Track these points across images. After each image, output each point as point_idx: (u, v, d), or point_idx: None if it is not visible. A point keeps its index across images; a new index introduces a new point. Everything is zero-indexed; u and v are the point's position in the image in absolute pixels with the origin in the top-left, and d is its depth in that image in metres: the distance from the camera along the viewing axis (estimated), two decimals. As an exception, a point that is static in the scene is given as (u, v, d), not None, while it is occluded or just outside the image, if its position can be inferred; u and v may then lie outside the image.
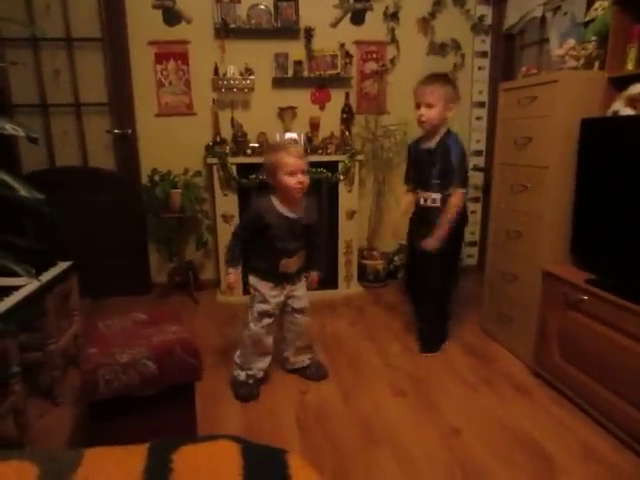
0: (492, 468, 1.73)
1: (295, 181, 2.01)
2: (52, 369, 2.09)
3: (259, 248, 2.10)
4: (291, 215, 2.06)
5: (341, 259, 3.49)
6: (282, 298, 2.18)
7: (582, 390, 2.02)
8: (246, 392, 2.17)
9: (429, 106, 2.31)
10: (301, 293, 2.24)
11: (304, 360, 2.34)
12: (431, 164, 2.39)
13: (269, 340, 2.19)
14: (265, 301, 2.13)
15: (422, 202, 2.48)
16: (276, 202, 2.06)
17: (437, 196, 2.40)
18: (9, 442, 1.78)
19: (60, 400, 2.12)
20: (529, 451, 1.81)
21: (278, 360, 2.37)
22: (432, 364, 2.47)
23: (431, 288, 2.51)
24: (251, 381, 2.20)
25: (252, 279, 2.16)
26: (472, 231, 3.99)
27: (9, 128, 0.98)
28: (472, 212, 3.94)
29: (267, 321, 2.15)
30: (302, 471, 0.95)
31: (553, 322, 2.18)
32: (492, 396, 2.18)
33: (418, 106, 2.35)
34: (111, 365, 1.61)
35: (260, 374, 2.21)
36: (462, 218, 2.44)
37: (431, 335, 2.62)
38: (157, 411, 1.72)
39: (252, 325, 2.15)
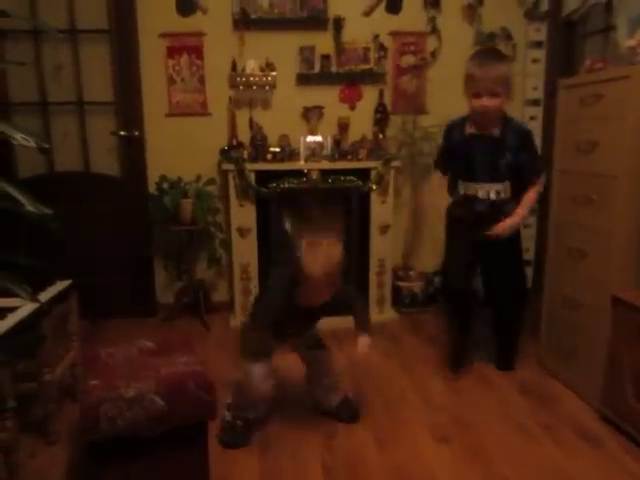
0: (555, 532, 1.67)
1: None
2: (47, 402, 2.10)
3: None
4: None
5: (372, 280, 3.46)
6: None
7: (662, 440, 1.95)
8: (230, 438, 2.11)
9: (494, 95, 2.28)
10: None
11: (333, 399, 2.30)
12: (499, 154, 2.40)
13: (264, 386, 2.09)
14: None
15: (482, 195, 2.47)
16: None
17: (506, 186, 2.45)
18: (-3, 485, 1.79)
19: (54, 438, 2.12)
20: (599, 512, 1.75)
21: (304, 400, 2.34)
22: (481, 405, 2.42)
23: (517, 287, 2.65)
24: (239, 423, 2.13)
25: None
26: (526, 248, 3.91)
27: (19, 138, 0.99)
28: (526, 226, 3.88)
29: (263, 363, 2.09)
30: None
31: (626, 357, 2.11)
32: (553, 445, 2.11)
33: (478, 95, 2.30)
34: (115, 400, 1.61)
35: (252, 416, 2.16)
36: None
37: (515, 348, 2.76)
38: (165, 454, 1.71)
39: (245, 362, 2.11)
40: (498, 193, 2.47)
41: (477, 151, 2.44)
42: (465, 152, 2.48)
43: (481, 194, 2.48)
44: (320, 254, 1.86)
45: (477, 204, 2.50)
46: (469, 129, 2.47)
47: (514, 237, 2.54)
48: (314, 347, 2.21)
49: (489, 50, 2.43)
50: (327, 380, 2.27)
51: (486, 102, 2.29)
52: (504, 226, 2.42)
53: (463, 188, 2.54)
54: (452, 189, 2.63)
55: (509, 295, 2.67)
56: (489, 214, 2.47)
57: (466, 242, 2.55)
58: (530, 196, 2.46)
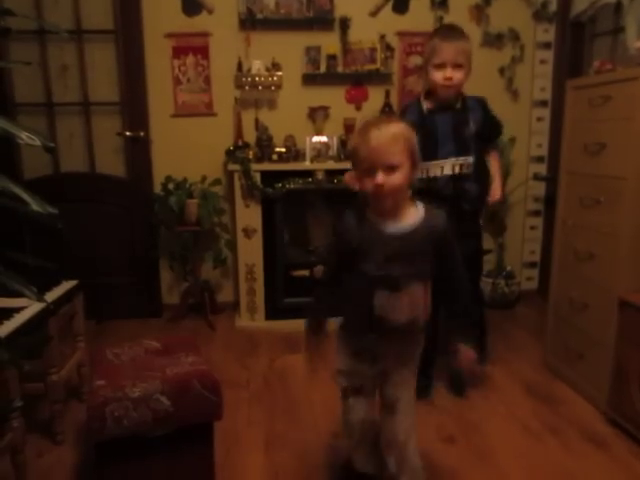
0: (561, 535, 1.67)
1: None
2: (53, 402, 2.12)
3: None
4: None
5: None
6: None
7: (669, 444, 1.95)
8: None
9: (458, 67, 2.28)
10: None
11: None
12: (463, 124, 2.38)
13: (354, 417, 1.67)
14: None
15: (447, 171, 2.36)
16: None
17: (470, 161, 2.38)
18: (5, 484, 1.81)
19: (61, 438, 2.14)
20: (606, 516, 1.75)
21: (308, 400, 2.34)
22: (487, 406, 2.42)
23: (477, 282, 2.68)
24: None
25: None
26: (532, 250, 3.92)
27: (25, 137, 1.01)
28: (532, 228, 3.89)
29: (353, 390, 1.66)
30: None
31: (633, 360, 2.11)
32: (559, 447, 2.12)
33: (441, 66, 2.28)
34: (121, 400, 1.63)
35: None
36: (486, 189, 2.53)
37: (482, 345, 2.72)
38: (170, 454, 1.73)
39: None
40: (461, 167, 2.37)
41: (440, 125, 2.37)
42: (425, 129, 2.30)
43: (447, 169, 2.37)
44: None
45: (439, 183, 2.37)
46: (428, 106, 2.41)
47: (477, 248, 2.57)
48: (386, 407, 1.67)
49: (452, 26, 2.42)
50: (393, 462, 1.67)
51: (450, 73, 2.27)
52: (497, 193, 2.52)
53: (425, 170, 2.37)
54: None
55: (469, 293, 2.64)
56: (452, 195, 2.37)
57: None
58: (496, 167, 2.56)
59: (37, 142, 1.04)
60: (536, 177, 3.77)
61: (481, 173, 2.46)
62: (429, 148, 2.32)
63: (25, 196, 1.10)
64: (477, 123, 2.39)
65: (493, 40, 3.59)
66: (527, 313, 3.61)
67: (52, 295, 2.16)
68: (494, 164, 2.55)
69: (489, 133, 2.48)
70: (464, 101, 2.40)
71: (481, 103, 2.46)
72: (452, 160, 2.37)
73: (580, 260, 2.46)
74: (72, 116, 3.44)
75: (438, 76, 2.30)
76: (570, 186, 2.55)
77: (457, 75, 2.29)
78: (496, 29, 3.58)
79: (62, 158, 3.46)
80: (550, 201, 3.55)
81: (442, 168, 2.38)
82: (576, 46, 3.58)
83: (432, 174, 2.38)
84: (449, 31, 2.35)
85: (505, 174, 3.61)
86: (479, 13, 3.57)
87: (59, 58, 3.36)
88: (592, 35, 3.50)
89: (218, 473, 1.85)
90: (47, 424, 2.17)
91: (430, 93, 2.42)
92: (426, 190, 2.30)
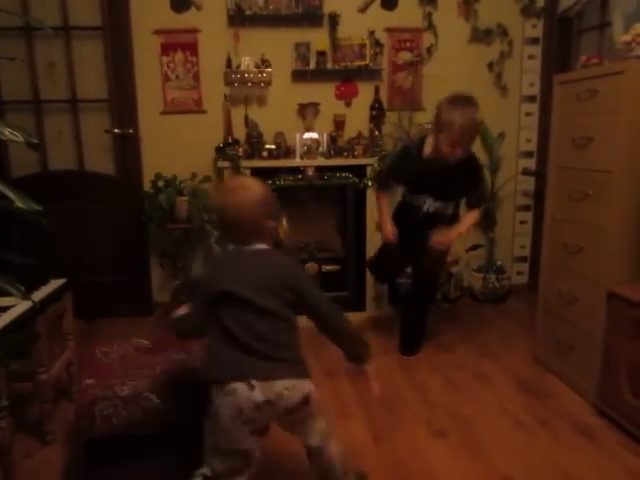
0: (552, 527, 1.67)
1: None
2: (42, 402, 2.10)
3: None
4: None
5: (369, 276, 3.46)
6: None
7: (658, 435, 1.96)
8: None
9: (466, 148, 2.44)
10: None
11: None
12: (450, 180, 2.57)
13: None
14: None
15: (428, 209, 2.69)
16: None
17: (451, 205, 2.70)
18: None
19: (50, 438, 2.12)
20: (596, 507, 1.76)
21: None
22: (478, 400, 2.43)
23: (436, 285, 3.08)
24: None
25: None
26: (522, 244, 3.93)
27: (7, 133, 0.99)
28: (522, 222, 3.90)
29: None
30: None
31: (621, 352, 2.12)
32: (550, 439, 2.12)
33: (453, 145, 2.40)
34: (110, 399, 1.61)
35: None
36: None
37: (424, 333, 2.99)
38: (161, 452, 1.72)
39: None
40: (443, 207, 2.69)
41: (430, 173, 2.57)
42: (418, 172, 2.61)
43: (426, 206, 2.68)
44: None
45: (421, 212, 2.70)
46: (426, 151, 2.59)
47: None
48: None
49: (469, 99, 2.42)
50: None
51: (459, 152, 2.41)
52: (444, 239, 2.64)
53: (410, 197, 2.75)
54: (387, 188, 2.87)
55: (427, 291, 2.99)
56: (422, 222, 2.71)
57: (406, 239, 2.76)
58: (470, 217, 2.71)
59: (20, 138, 1.02)
60: (525, 172, 3.78)
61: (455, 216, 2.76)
62: (417, 186, 2.67)
63: (9, 193, 1.08)
64: (462, 183, 2.59)
65: (482, 36, 3.59)
66: (518, 307, 3.62)
67: (40, 294, 2.13)
68: (466, 218, 2.72)
69: (469, 198, 2.69)
70: (460, 162, 2.48)
71: (473, 168, 2.61)
72: (431, 201, 2.66)
73: (569, 254, 2.46)
74: (60, 113, 3.40)
75: (447, 149, 2.42)
76: (559, 180, 2.56)
77: (465, 153, 2.44)
78: (484, 25, 3.58)
79: (50, 156, 3.42)
80: (540, 196, 3.56)
81: (424, 202, 2.68)
82: (564, 41, 3.59)
83: (416, 203, 2.71)
84: (466, 107, 2.37)
85: (494, 169, 3.65)
86: (467, 9, 3.57)
87: (46, 55, 3.33)
88: (579, 30, 3.51)
89: (209, 470, 1.84)
90: (36, 424, 2.15)
91: (434, 144, 2.52)
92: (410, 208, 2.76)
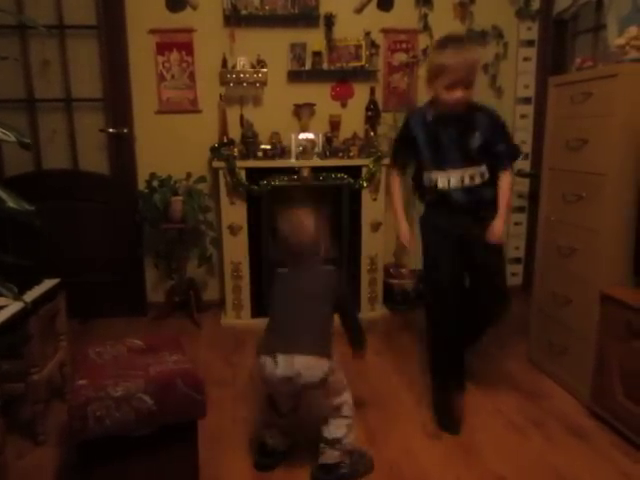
0: (545, 528, 1.68)
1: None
2: (34, 402, 2.08)
3: None
4: None
5: (364, 277, 3.47)
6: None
7: (651, 436, 1.96)
8: None
9: (468, 87, 2.08)
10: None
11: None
12: (468, 134, 2.19)
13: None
14: None
15: (455, 183, 2.23)
16: None
17: (482, 170, 2.24)
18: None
19: (42, 439, 2.11)
20: (588, 508, 1.76)
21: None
22: (471, 401, 2.42)
23: (504, 289, 2.38)
24: None
25: None
26: (516, 246, 3.94)
27: (-1, 132, 0.99)
28: (516, 224, 3.90)
29: None
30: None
31: (614, 354, 2.13)
32: (543, 441, 2.13)
33: (453, 87, 2.07)
34: (103, 400, 1.60)
35: None
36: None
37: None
38: (154, 453, 1.71)
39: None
40: (472, 178, 2.23)
41: (443, 134, 2.21)
42: (430, 138, 2.24)
43: (454, 181, 2.23)
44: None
45: (452, 194, 2.25)
46: (431, 114, 2.23)
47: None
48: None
49: (459, 37, 2.17)
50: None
51: (461, 93, 2.08)
52: (496, 231, 2.21)
53: (433, 179, 2.28)
54: (417, 184, 2.42)
55: (495, 298, 2.36)
56: (468, 203, 2.25)
57: (449, 239, 2.28)
58: (505, 192, 2.25)
59: (12, 138, 1.01)
60: (520, 174, 3.78)
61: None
62: (435, 158, 2.26)
63: (1, 193, 1.08)
64: (483, 135, 2.18)
65: (477, 37, 3.59)
66: (512, 309, 3.62)
67: (33, 294, 2.12)
68: (502, 193, 2.24)
69: (497, 153, 2.23)
70: (471, 110, 2.18)
71: (489, 114, 2.22)
72: (459, 171, 2.23)
73: (563, 255, 2.47)
74: (54, 112, 3.39)
75: (448, 97, 2.10)
76: (553, 182, 2.57)
77: (468, 94, 2.10)
78: (480, 26, 3.59)
79: (44, 155, 3.41)
80: (534, 197, 3.57)
81: (449, 181, 2.24)
82: (559, 44, 3.60)
83: (440, 185, 2.26)
84: (457, 45, 2.07)
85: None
86: (463, 10, 3.58)
87: (41, 53, 3.31)
88: (574, 33, 3.52)
89: (202, 471, 1.84)
90: (28, 425, 2.14)
91: (434, 101, 2.22)
92: (440, 202, 2.30)
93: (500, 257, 2.38)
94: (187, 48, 3.41)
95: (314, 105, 3.49)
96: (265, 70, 3.39)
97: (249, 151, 3.28)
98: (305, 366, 1.75)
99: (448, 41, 2.10)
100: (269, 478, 1.92)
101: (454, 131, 2.20)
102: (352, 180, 3.30)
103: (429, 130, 2.24)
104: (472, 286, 2.37)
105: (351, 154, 3.33)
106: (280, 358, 1.76)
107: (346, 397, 1.92)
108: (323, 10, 3.40)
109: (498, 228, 2.21)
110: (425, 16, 3.54)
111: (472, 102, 2.19)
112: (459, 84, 2.06)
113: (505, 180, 2.25)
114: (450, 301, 2.28)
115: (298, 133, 3.36)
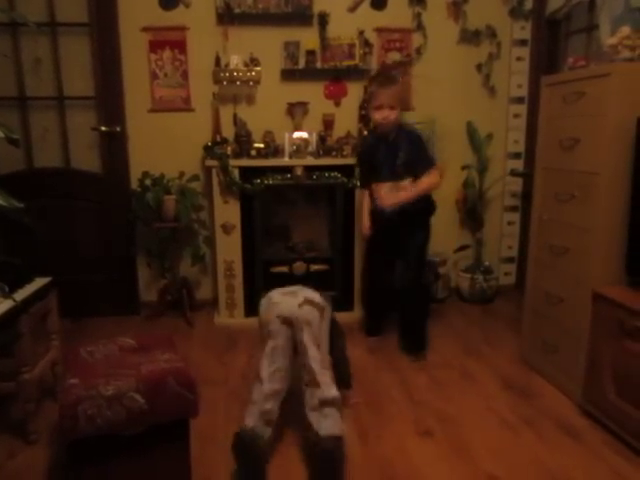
0: (536, 526, 1.68)
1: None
2: (25, 401, 2.08)
3: None
4: None
5: (357, 276, 3.46)
6: None
7: (642, 434, 1.97)
8: None
9: (392, 107, 2.73)
10: None
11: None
12: (394, 154, 2.79)
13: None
14: None
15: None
16: None
17: (406, 184, 2.80)
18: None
19: (34, 438, 2.10)
20: (580, 506, 1.77)
21: (287, 398, 2.33)
22: (464, 399, 2.43)
23: (418, 282, 2.97)
24: None
25: None
26: (509, 245, 3.95)
27: (-13, 128, 0.98)
28: (509, 223, 3.92)
29: None
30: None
31: (606, 353, 2.13)
32: (535, 439, 2.13)
33: (380, 107, 2.73)
34: (94, 398, 1.59)
35: None
36: (430, 205, 2.93)
37: (424, 335, 2.98)
38: (146, 452, 1.70)
39: None
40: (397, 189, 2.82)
41: (379, 154, 2.85)
42: (372, 157, 2.89)
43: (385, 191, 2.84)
44: None
45: (386, 214, 2.84)
46: (373, 137, 2.97)
47: (422, 240, 2.94)
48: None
49: (387, 75, 2.94)
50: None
51: (386, 113, 2.72)
52: (389, 198, 2.78)
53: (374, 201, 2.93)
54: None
55: (411, 290, 2.95)
56: (397, 220, 2.83)
57: (383, 241, 2.97)
58: (423, 181, 2.77)
59: (0, 134, 1.01)
60: (513, 173, 3.80)
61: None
62: (375, 173, 2.89)
63: (-10, 190, 1.07)
64: (406, 154, 2.77)
65: (470, 37, 3.61)
66: (505, 308, 3.64)
67: (24, 292, 2.11)
68: (418, 182, 2.78)
69: (416, 166, 2.77)
70: (398, 134, 2.80)
71: (411, 137, 2.81)
72: (389, 184, 2.82)
73: (555, 254, 2.48)
74: (46, 110, 3.37)
75: (377, 116, 2.76)
76: (546, 181, 2.57)
77: (392, 114, 2.73)
78: (473, 26, 3.60)
79: (36, 153, 3.39)
80: (527, 197, 3.58)
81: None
82: (552, 43, 3.62)
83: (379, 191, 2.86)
84: (385, 80, 2.79)
85: (482, 170, 3.66)
86: (456, 10, 3.58)
87: (32, 51, 3.30)
88: (567, 32, 3.54)
89: (194, 470, 1.83)
90: (19, 424, 2.13)
91: (374, 128, 2.97)
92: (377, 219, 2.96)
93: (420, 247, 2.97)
94: (180, 46, 3.40)
95: (307, 104, 3.49)
96: (258, 69, 3.38)
97: (242, 150, 3.27)
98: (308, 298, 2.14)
99: (378, 75, 3.04)
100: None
101: (385, 152, 2.83)
102: (346, 179, 3.30)
103: (371, 150, 2.92)
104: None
105: (344, 153, 3.33)
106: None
107: (330, 375, 2.04)
108: (317, 9, 3.39)
109: (390, 196, 2.78)
110: (419, 15, 3.54)
111: (400, 124, 2.85)
112: (384, 105, 2.71)
113: (425, 177, 2.77)
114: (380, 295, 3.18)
115: (292, 132, 3.35)
